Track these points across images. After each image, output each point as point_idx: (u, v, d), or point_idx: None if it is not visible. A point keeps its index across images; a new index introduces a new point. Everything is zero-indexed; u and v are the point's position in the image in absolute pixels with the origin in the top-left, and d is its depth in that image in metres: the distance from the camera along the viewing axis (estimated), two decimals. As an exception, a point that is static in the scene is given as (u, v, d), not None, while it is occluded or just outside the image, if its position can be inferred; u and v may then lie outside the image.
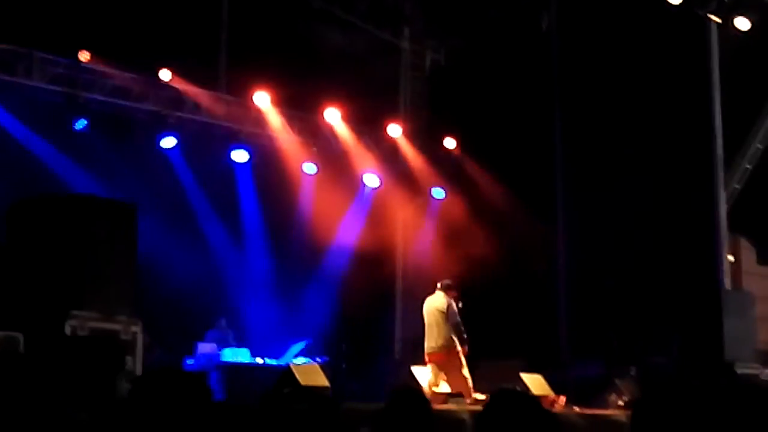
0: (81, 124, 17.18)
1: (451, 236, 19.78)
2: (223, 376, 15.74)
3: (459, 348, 14.40)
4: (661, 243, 19.02)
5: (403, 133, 21.15)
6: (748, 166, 20.35)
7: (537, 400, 4.29)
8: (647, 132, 19.21)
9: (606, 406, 15.52)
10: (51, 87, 16.82)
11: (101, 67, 17.08)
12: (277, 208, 19.80)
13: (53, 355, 11.43)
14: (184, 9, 18.04)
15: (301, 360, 16.83)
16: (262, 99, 19.04)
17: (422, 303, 14.95)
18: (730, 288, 19.70)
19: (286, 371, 13.60)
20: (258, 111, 19.26)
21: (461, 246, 18.88)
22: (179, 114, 18.35)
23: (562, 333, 20.34)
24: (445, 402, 14.27)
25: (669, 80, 19.17)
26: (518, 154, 20.25)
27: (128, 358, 13.25)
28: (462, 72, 21.93)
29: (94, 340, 12.76)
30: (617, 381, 16.21)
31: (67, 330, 12.83)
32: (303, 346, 17.75)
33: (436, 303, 14.68)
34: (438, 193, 21.30)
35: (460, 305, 14.70)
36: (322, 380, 13.62)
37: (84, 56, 16.73)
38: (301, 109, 19.98)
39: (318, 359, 16.59)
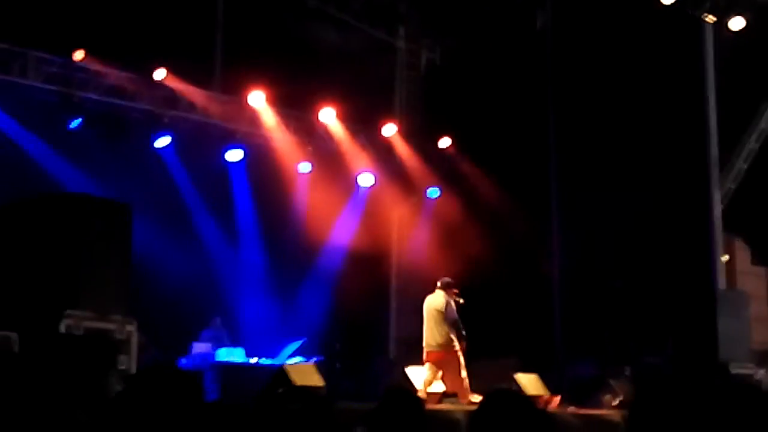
0: (76, 123, 17.15)
1: (445, 236, 19.78)
2: (217, 375, 15.72)
3: (458, 348, 14.41)
4: (656, 242, 19.03)
5: (398, 132, 21.15)
6: (742, 166, 20.37)
7: (531, 399, 4.29)
8: (642, 131, 19.21)
9: (600, 406, 15.53)
10: (46, 86, 16.79)
11: (96, 67, 17.05)
12: (271, 207, 19.78)
13: (45, 354, 11.39)
14: (179, 8, 18.02)
15: (295, 359, 16.83)
16: (257, 98, 19.02)
17: (422, 301, 14.96)
18: (724, 288, 19.73)
19: (281, 371, 13.59)
20: (253, 110, 19.24)
21: (456, 245, 18.88)
22: (174, 113, 18.33)
23: (557, 333, 20.34)
24: (439, 402, 14.28)
25: (663, 80, 19.18)
26: (513, 153, 20.25)
27: (123, 357, 13.25)
28: (457, 71, 21.93)
29: (85, 338, 12.74)
30: (612, 381, 16.21)
31: (62, 329, 12.83)
32: (297, 346, 17.74)
33: (434, 302, 14.69)
34: (433, 192, 21.30)
35: (461, 301, 14.74)
36: (316, 380, 13.62)
37: (79, 55, 16.70)
38: (295, 108, 19.97)
39: (312, 359, 16.58)
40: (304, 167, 20.20)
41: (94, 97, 17.34)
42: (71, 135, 17.15)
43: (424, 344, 14.66)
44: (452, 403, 14.31)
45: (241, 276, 19.84)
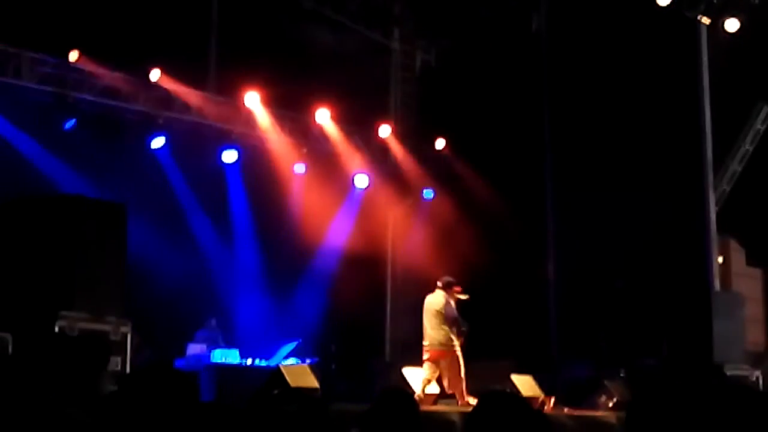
0: (70, 124, 17.12)
1: (440, 237, 19.78)
2: (212, 376, 15.70)
3: (458, 348, 14.46)
4: (651, 244, 19.04)
5: (393, 133, 21.14)
6: (737, 168, 20.39)
7: (526, 401, 4.29)
8: (637, 133, 19.23)
9: (596, 408, 15.54)
10: (40, 87, 16.75)
11: (90, 67, 17.01)
12: (267, 208, 19.76)
13: (37, 354, 11.35)
14: (174, 8, 17.99)
15: (290, 361, 16.81)
16: (252, 99, 19.00)
17: (418, 302, 15.02)
18: (719, 289, 19.74)
19: (276, 372, 13.58)
20: (248, 111, 19.22)
21: (451, 247, 18.88)
22: (169, 114, 18.29)
23: (552, 334, 20.35)
24: (434, 403, 14.28)
25: (658, 82, 19.19)
26: (508, 154, 20.26)
27: (117, 358, 13.24)
28: (452, 73, 21.93)
29: (76, 339, 12.72)
30: (607, 382, 16.23)
31: (57, 330, 12.81)
32: (293, 347, 17.72)
33: (434, 302, 14.77)
34: (428, 193, 21.30)
35: (466, 298, 14.78)
36: (311, 381, 13.61)
37: (73, 56, 16.68)
38: (291, 110, 19.96)
39: (308, 360, 16.57)
40: (299, 168, 20.18)
41: (89, 97, 17.31)
42: (66, 136, 17.11)
43: (424, 343, 14.71)
44: (448, 404, 14.32)
45: (236, 277, 19.82)
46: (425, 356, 14.66)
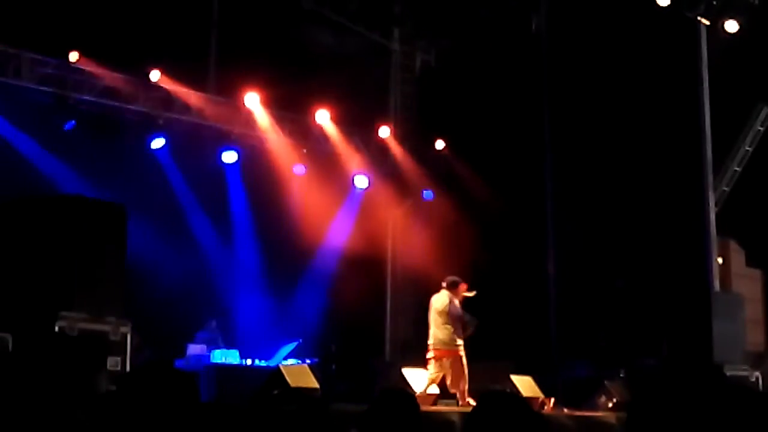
0: (70, 124, 17.13)
1: (440, 237, 19.77)
2: (212, 377, 15.71)
3: (462, 350, 14.55)
4: (651, 245, 19.05)
5: (393, 134, 21.15)
6: (736, 169, 20.39)
7: (526, 401, 4.29)
8: (637, 134, 19.22)
9: (596, 408, 15.55)
10: (40, 87, 16.77)
11: (91, 68, 17.03)
12: (266, 209, 19.77)
13: (35, 354, 11.36)
14: (174, 9, 18.00)
15: (290, 361, 16.81)
16: (252, 100, 19.02)
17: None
18: (719, 290, 19.73)
19: (276, 372, 13.59)
20: (248, 112, 19.23)
21: (451, 247, 18.87)
22: (169, 115, 18.31)
23: (552, 335, 20.34)
24: (434, 404, 14.29)
25: (658, 82, 19.18)
26: (508, 155, 20.26)
27: (117, 359, 13.24)
28: (452, 73, 21.92)
29: (74, 338, 12.72)
30: (607, 383, 16.23)
31: (57, 331, 12.82)
32: (293, 348, 17.73)
33: (438, 301, 14.87)
34: (427, 194, 21.30)
35: (473, 294, 14.83)
36: (311, 381, 13.61)
37: (73, 57, 16.69)
38: (291, 110, 19.97)
39: (307, 360, 16.57)
40: (299, 169, 20.18)
41: (89, 98, 17.33)
42: (66, 136, 17.13)
43: (428, 342, 14.81)
44: (447, 404, 14.33)
45: (236, 277, 19.83)
46: (429, 355, 14.73)
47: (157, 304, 16.59)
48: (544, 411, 14.46)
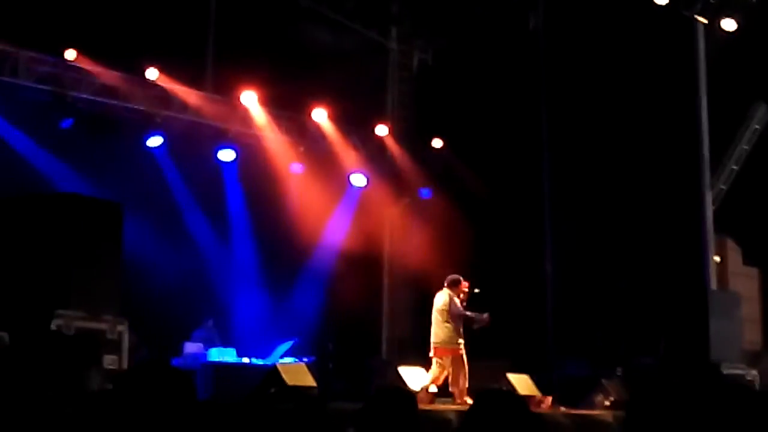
0: (67, 122, 17.12)
1: (437, 236, 19.77)
2: (209, 375, 15.71)
3: (462, 349, 14.60)
4: (648, 243, 19.05)
5: (390, 132, 21.15)
6: (734, 168, 20.39)
7: (523, 400, 4.29)
8: (634, 133, 19.22)
9: (592, 407, 15.55)
10: (37, 86, 16.75)
11: (88, 66, 17.02)
12: (264, 207, 19.75)
13: (29, 351, 11.38)
14: (172, 7, 17.98)
15: (287, 359, 16.81)
16: (249, 98, 19.01)
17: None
18: (716, 288, 19.73)
19: (273, 371, 13.59)
20: (245, 110, 19.23)
21: (448, 246, 18.87)
22: (166, 113, 18.30)
23: (549, 333, 20.33)
24: (431, 402, 14.30)
25: (656, 81, 19.19)
26: (505, 153, 20.26)
27: (114, 357, 13.23)
28: (449, 72, 21.91)
29: (66, 337, 12.72)
30: (604, 381, 16.23)
31: (53, 329, 12.81)
32: (290, 346, 17.72)
33: (438, 300, 14.98)
34: (424, 192, 21.30)
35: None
36: (308, 380, 13.62)
37: (70, 55, 16.67)
38: (288, 109, 19.96)
39: (304, 359, 16.57)
40: (296, 167, 20.17)
41: (86, 96, 17.31)
42: (63, 134, 17.12)
43: (431, 340, 14.90)
44: (444, 402, 14.34)
45: (233, 276, 19.82)
46: (431, 353, 14.80)
47: (154, 303, 16.59)
48: (540, 409, 14.47)
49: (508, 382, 14.88)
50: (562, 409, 14.87)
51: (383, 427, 4.79)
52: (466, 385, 14.43)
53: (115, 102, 17.69)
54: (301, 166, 20.17)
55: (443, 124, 21.22)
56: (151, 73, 17.65)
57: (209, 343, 17.30)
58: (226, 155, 19.28)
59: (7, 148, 16.59)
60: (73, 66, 16.91)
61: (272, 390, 13.07)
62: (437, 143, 21.19)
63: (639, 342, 18.28)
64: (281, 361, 16.43)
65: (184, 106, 18.50)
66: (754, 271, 20.79)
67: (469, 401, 13.78)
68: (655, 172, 19.15)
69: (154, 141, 18.33)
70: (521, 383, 15.02)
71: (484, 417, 4.03)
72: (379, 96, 22.24)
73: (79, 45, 16.70)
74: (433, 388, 14.74)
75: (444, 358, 14.67)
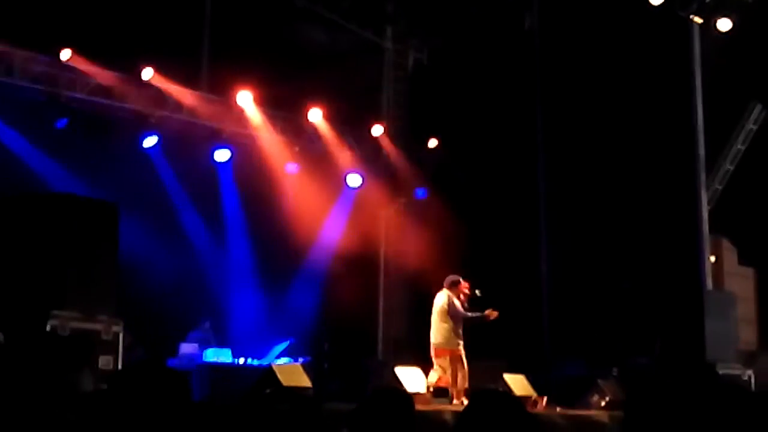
0: (62, 122, 17.08)
1: (433, 236, 19.76)
2: (205, 376, 15.70)
3: (461, 350, 14.65)
4: (643, 244, 19.06)
5: (386, 132, 21.13)
6: (729, 168, 20.41)
7: (518, 400, 4.28)
8: (629, 132, 19.23)
9: (588, 407, 15.54)
10: (32, 85, 16.71)
11: (83, 66, 16.98)
12: (259, 207, 19.73)
13: (22, 352, 11.32)
14: (167, 7, 17.96)
15: (283, 360, 16.80)
16: (245, 98, 18.99)
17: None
18: (711, 288, 19.75)
19: (268, 371, 13.57)
20: (240, 110, 19.20)
21: (443, 245, 18.86)
22: (161, 113, 18.26)
23: (545, 333, 20.35)
24: (428, 402, 14.29)
25: (651, 81, 19.20)
26: (501, 153, 20.27)
27: (109, 358, 13.22)
28: (445, 72, 21.91)
29: (60, 337, 12.69)
30: (600, 381, 16.23)
31: (48, 330, 12.79)
32: (285, 346, 17.71)
33: (437, 301, 15.07)
34: (420, 192, 21.29)
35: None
36: (304, 380, 13.60)
37: (65, 55, 16.64)
38: (283, 109, 19.93)
39: (300, 359, 16.56)
40: (292, 167, 20.16)
41: (81, 96, 17.28)
42: (58, 134, 17.07)
43: (431, 341, 14.99)
44: (441, 403, 14.34)
45: (228, 276, 19.79)
46: (431, 354, 14.87)
47: (150, 303, 16.57)
48: (536, 410, 14.47)
49: (504, 383, 14.87)
50: (558, 409, 14.87)
51: (380, 428, 4.78)
52: (465, 386, 14.47)
53: (110, 102, 17.66)
54: (296, 166, 20.16)
55: (439, 124, 21.21)
56: (146, 73, 17.62)
57: (205, 344, 17.29)
58: (222, 155, 19.25)
59: (2, 148, 16.55)
60: (68, 66, 16.87)
61: (268, 391, 13.05)
62: (433, 143, 21.18)
63: (634, 342, 18.28)
64: (277, 361, 16.43)
65: (179, 106, 18.47)
66: (749, 271, 20.82)
67: (465, 401, 13.83)
68: (650, 172, 19.16)
69: (150, 141, 18.30)
70: (517, 383, 15.01)
71: (478, 417, 4.02)
72: (374, 96, 22.24)
73: (74, 45, 16.66)
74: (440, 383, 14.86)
75: (443, 358, 14.72)
